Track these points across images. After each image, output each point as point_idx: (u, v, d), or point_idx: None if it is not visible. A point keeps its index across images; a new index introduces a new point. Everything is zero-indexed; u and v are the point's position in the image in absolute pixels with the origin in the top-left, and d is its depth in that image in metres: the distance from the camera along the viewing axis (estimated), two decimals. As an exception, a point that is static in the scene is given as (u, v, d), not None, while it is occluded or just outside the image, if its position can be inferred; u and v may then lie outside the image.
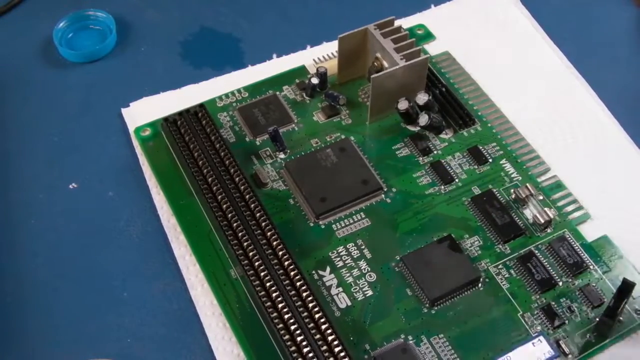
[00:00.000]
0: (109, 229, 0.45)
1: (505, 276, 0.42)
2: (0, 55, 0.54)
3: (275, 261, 0.40)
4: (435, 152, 0.47)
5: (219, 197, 0.43)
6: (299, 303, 0.39)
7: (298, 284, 0.39)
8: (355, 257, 0.42)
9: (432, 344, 0.39)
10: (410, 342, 0.39)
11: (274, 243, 0.41)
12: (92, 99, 0.52)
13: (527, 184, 0.44)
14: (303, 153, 0.47)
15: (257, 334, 0.39)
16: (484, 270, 0.42)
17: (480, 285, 0.41)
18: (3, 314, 0.41)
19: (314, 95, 0.50)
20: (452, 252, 0.42)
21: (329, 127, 0.48)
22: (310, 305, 0.38)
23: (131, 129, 0.49)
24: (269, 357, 0.39)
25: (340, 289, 0.41)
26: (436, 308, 0.40)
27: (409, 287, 0.41)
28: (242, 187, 0.43)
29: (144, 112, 0.50)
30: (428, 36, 0.54)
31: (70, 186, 0.47)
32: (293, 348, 0.37)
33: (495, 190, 0.45)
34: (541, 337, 0.38)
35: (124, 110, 0.50)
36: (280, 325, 0.38)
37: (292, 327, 0.38)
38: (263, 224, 0.42)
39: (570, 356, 0.39)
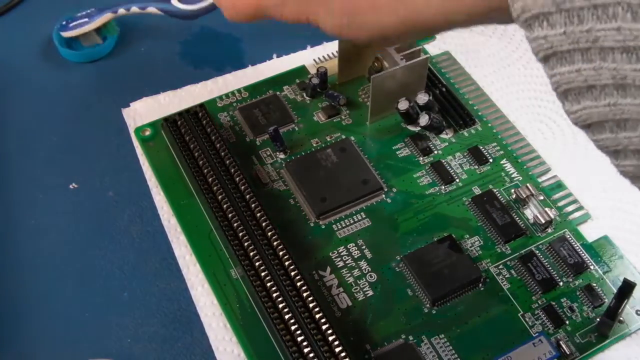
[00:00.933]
0: (109, 229, 0.45)
1: (506, 276, 0.42)
2: (0, 55, 0.54)
3: (276, 261, 0.40)
4: (435, 152, 0.47)
5: (220, 197, 0.43)
6: (300, 303, 0.38)
7: (299, 284, 0.39)
8: (355, 257, 0.42)
9: (433, 344, 0.39)
10: (411, 342, 0.39)
11: (275, 243, 0.41)
12: (92, 99, 0.52)
13: (528, 184, 0.44)
14: (303, 153, 0.47)
15: (257, 334, 0.39)
16: (485, 271, 0.42)
17: (480, 285, 0.41)
18: (3, 314, 0.41)
19: (315, 95, 0.50)
20: (453, 252, 0.42)
21: (329, 127, 0.48)
22: (311, 305, 0.38)
23: (131, 129, 0.49)
24: (269, 357, 0.38)
25: (341, 289, 0.41)
26: (437, 308, 0.40)
27: (409, 287, 0.41)
28: (243, 187, 0.43)
29: (144, 112, 0.50)
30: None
31: (70, 186, 0.47)
32: (294, 348, 0.37)
33: (495, 190, 0.45)
34: (542, 338, 0.38)
35: (124, 110, 0.50)
36: (281, 326, 0.38)
37: (293, 328, 0.38)
38: (263, 224, 0.41)
39: (570, 356, 0.38)
